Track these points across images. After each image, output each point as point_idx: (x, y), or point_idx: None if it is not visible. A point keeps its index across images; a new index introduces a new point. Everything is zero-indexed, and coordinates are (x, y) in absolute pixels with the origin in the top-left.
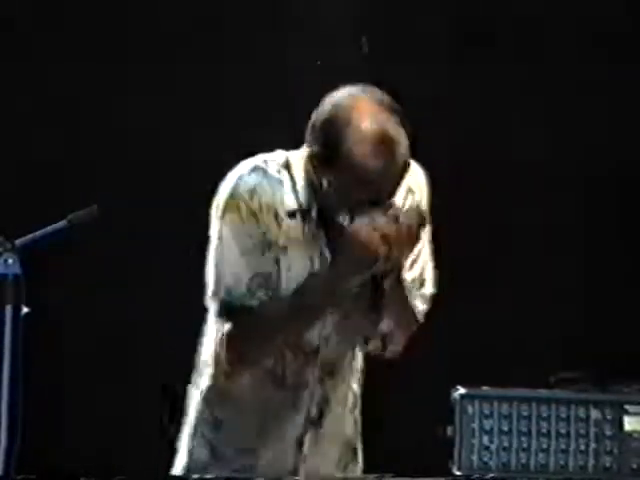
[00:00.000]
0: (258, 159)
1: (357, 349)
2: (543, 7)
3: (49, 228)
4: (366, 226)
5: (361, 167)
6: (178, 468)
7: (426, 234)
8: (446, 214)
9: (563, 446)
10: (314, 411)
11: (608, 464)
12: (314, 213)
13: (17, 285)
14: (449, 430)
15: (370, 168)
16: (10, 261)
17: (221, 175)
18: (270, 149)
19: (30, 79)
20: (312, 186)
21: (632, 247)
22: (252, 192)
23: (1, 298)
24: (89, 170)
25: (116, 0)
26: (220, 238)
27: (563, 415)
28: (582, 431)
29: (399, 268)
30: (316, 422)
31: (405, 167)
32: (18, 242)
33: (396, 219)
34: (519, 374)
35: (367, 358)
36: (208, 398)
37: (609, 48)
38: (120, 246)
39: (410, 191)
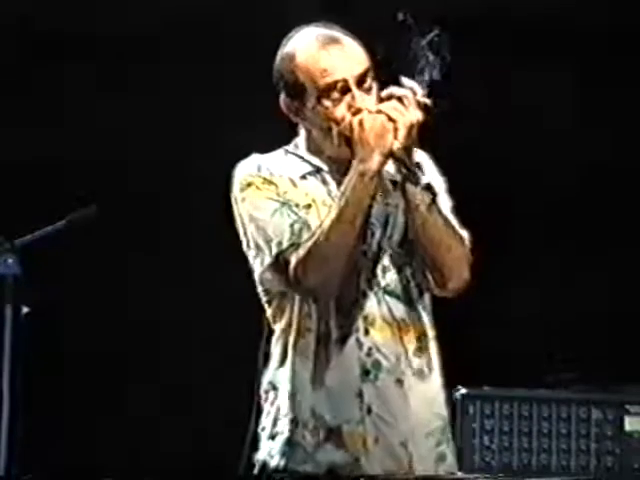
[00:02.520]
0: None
1: (411, 308)
2: None
3: (49, 228)
4: (364, 114)
5: (314, 63)
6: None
7: (446, 199)
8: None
9: (564, 446)
10: (367, 362)
11: (609, 464)
12: (325, 172)
13: (17, 285)
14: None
15: (321, 58)
16: (10, 261)
17: (221, 175)
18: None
19: (30, 79)
20: (314, 151)
21: (633, 243)
22: (259, 166)
23: (1, 298)
24: (89, 170)
25: (116, 1)
26: (247, 220)
27: (564, 415)
28: (583, 431)
29: (411, 144)
30: (371, 373)
31: (365, 63)
32: (18, 242)
33: (388, 97)
34: (519, 374)
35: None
36: (281, 379)
37: None
38: (120, 246)
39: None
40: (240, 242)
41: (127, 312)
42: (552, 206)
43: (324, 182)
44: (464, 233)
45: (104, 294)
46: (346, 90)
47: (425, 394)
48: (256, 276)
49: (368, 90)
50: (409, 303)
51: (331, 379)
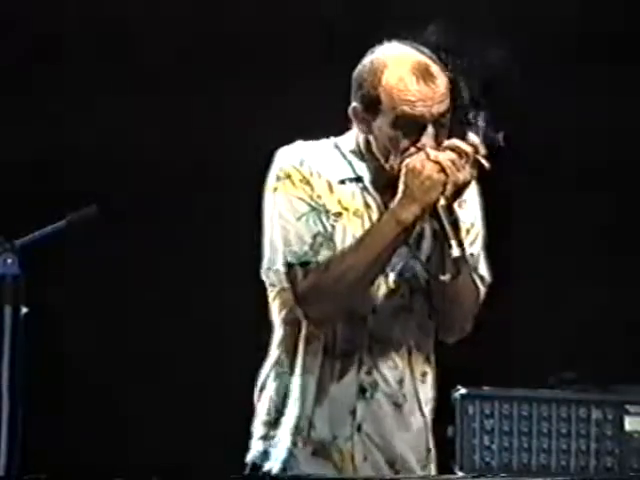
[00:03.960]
0: (306, 142)
1: (421, 332)
2: None
3: (49, 228)
4: (420, 156)
5: (402, 97)
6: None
7: (480, 225)
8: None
9: (564, 446)
10: (365, 380)
11: (609, 464)
12: (367, 180)
13: (16, 285)
14: (450, 430)
15: (410, 96)
16: (10, 261)
17: (221, 176)
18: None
19: (30, 79)
20: (362, 155)
21: (631, 244)
22: (302, 160)
23: (1, 298)
24: (89, 170)
25: (116, 2)
26: (274, 209)
27: (564, 415)
28: (583, 431)
29: (456, 198)
30: (367, 392)
31: (447, 102)
32: (18, 242)
33: (451, 149)
34: (519, 374)
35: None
36: (275, 378)
37: None
38: (120, 246)
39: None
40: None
41: (127, 312)
42: (553, 207)
43: (361, 191)
44: (486, 275)
45: (104, 294)
46: (421, 126)
47: (423, 421)
48: (263, 267)
49: (442, 126)
50: (420, 325)
51: (331, 392)
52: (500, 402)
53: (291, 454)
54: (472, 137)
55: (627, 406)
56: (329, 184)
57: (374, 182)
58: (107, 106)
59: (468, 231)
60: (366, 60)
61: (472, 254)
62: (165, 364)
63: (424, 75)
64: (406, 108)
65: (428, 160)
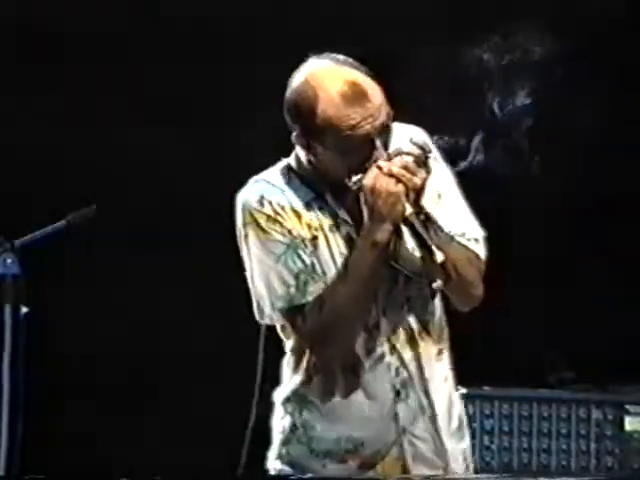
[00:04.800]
0: (262, 174)
1: (429, 313)
2: None
3: (49, 228)
4: (374, 175)
5: (341, 122)
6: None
7: (451, 183)
8: None
9: (564, 446)
10: (397, 382)
11: (609, 464)
12: (329, 197)
13: (16, 285)
14: None
15: (349, 118)
16: (9, 261)
17: (220, 176)
18: (267, 155)
19: (31, 80)
20: (317, 172)
21: (631, 248)
22: (261, 200)
23: (1, 298)
24: (89, 170)
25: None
26: (251, 258)
27: (564, 415)
28: (583, 431)
29: (419, 204)
30: (402, 393)
31: (386, 113)
32: (18, 242)
33: (398, 155)
34: (519, 374)
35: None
36: (291, 404)
37: None
38: (120, 246)
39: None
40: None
41: (127, 312)
42: (555, 208)
43: (328, 207)
44: (479, 235)
45: (104, 294)
46: (367, 143)
47: (448, 396)
48: (256, 314)
49: (387, 133)
50: (426, 310)
51: (366, 405)
52: (500, 402)
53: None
54: (415, 138)
55: (627, 406)
56: (295, 212)
57: (336, 195)
58: (107, 106)
59: (439, 196)
60: (294, 88)
61: (450, 231)
62: (165, 364)
63: (357, 95)
64: (350, 132)
65: (383, 175)
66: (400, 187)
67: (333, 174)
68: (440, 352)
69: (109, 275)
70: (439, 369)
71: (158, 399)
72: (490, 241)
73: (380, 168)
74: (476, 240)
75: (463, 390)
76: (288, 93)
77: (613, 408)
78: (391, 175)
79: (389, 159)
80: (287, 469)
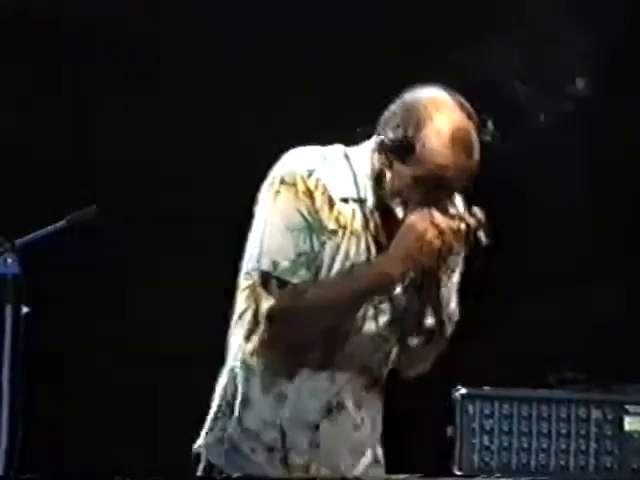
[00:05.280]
0: (318, 147)
1: (386, 359)
2: None
3: (49, 228)
4: (425, 217)
5: (438, 161)
6: (202, 445)
7: (459, 268)
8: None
9: (564, 446)
10: (333, 401)
11: (609, 464)
12: (370, 203)
13: (17, 285)
14: (450, 430)
15: (447, 163)
16: (10, 261)
17: (220, 176)
18: (269, 149)
19: (30, 80)
20: (373, 177)
21: (633, 245)
22: (311, 171)
23: (1, 298)
24: (89, 170)
25: (115, 4)
26: (270, 211)
27: (563, 415)
28: (583, 431)
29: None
30: (334, 413)
31: (476, 171)
32: (18, 242)
33: (455, 217)
34: (519, 374)
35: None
36: (236, 377)
37: None
38: (120, 246)
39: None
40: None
41: (127, 312)
42: (552, 207)
43: (362, 213)
44: (456, 317)
45: (104, 294)
46: (445, 191)
47: (374, 436)
48: (245, 262)
49: (467, 188)
50: (388, 356)
51: (297, 405)
52: (500, 402)
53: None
54: (478, 211)
55: (627, 406)
56: (330, 200)
57: (377, 206)
58: (107, 106)
59: (452, 270)
60: (408, 102)
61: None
62: (166, 363)
63: (465, 145)
64: (439, 172)
65: (431, 223)
66: (438, 242)
67: (393, 192)
68: (378, 408)
69: (109, 275)
70: (378, 417)
71: (158, 399)
72: (492, 241)
73: (432, 217)
74: (449, 318)
75: (463, 390)
76: (396, 103)
77: (613, 408)
78: (438, 228)
79: (446, 215)
80: (215, 447)
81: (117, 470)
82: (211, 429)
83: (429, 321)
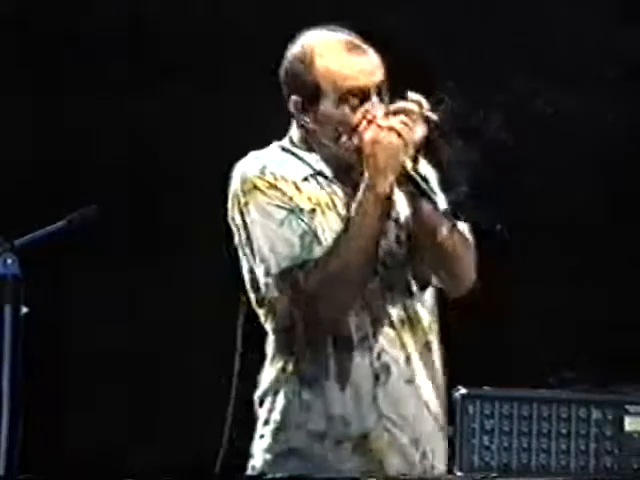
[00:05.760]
0: (254, 152)
1: (418, 303)
2: None
3: (49, 228)
4: (374, 128)
5: (342, 74)
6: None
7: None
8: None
9: (564, 446)
10: (377, 366)
11: (609, 464)
12: (327, 172)
13: (16, 285)
14: (450, 430)
15: (347, 63)
16: (9, 261)
17: (220, 175)
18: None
19: (30, 80)
20: (311, 148)
21: (629, 243)
22: (262, 169)
23: (1, 298)
24: (89, 170)
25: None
26: (253, 226)
27: (564, 415)
28: (583, 431)
29: (419, 157)
30: (381, 377)
31: (382, 75)
32: (17, 242)
33: (395, 112)
34: (519, 374)
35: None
36: (287, 384)
37: None
38: (120, 246)
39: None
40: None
41: (127, 312)
42: (552, 208)
43: (325, 184)
44: (465, 228)
45: (104, 294)
46: (365, 98)
47: (435, 390)
48: (257, 278)
49: (383, 94)
50: (412, 300)
51: (347, 387)
52: (500, 402)
53: (313, 458)
54: (412, 94)
55: (627, 406)
56: (295, 184)
57: (333, 171)
58: (107, 106)
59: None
60: (291, 52)
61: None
62: (167, 363)
63: (356, 49)
64: (349, 83)
65: (382, 129)
66: (400, 140)
67: (327, 143)
68: (428, 345)
69: (109, 275)
70: (426, 361)
71: (159, 399)
72: (490, 241)
73: (379, 124)
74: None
75: (463, 390)
76: (284, 62)
77: (613, 408)
78: (391, 129)
79: (388, 115)
80: (285, 457)
81: (117, 470)
82: (271, 445)
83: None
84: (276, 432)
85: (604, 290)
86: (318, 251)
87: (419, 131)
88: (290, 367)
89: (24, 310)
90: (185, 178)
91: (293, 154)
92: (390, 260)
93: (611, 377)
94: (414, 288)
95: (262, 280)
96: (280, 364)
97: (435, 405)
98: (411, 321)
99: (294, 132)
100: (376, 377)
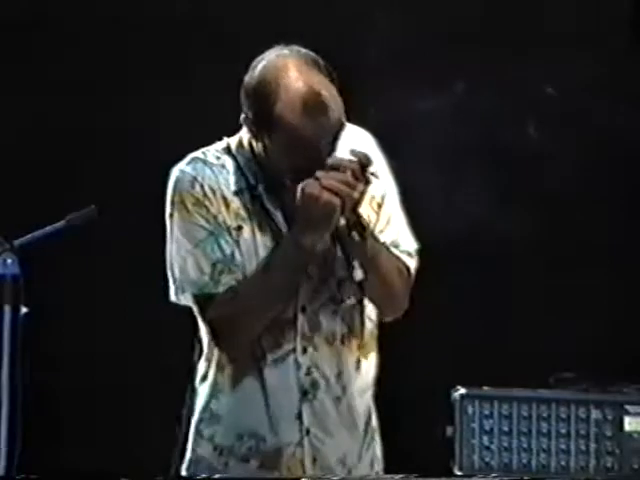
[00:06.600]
0: (196, 152)
1: (355, 319)
2: None
3: (48, 228)
4: (311, 183)
5: (295, 129)
6: (184, 468)
7: (393, 196)
8: (449, 215)
9: (563, 446)
10: (306, 382)
11: (609, 464)
12: (261, 188)
13: (16, 285)
14: (449, 430)
15: (304, 129)
16: (9, 261)
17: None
18: None
19: (30, 80)
20: (256, 161)
21: (631, 244)
22: (193, 181)
23: (0, 298)
24: (89, 170)
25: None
26: (173, 235)
27: (563, 415)
28: (582, 431)
29: (356, 213)
30: (309, 393)
31: (341, 124)
32: (17, 242)
33: (338, 168)
34: (519, 374)
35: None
36: (203, 392)
37: None
38: (119, 246)
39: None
40: None
41: (127, 312)
42: (551, 208)
43: (257, 199)
44: (409, 261)
45: (103, 294)
46: (316, 150)
47: (362, 407)
48: (171, 294)
49: (332, 150)
50: (349, 315)
51: (273, 401)
52: (500, 402)
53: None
54: (358, 150)
55: (627, 406)
56: (224, 199)
57: (270, 189)
58: (107, 106)
59: (379, 205)
60: (257, 74)
61: (384, 242)
62: (166, 364)
63: (317, 108)
64: (300, 139)
65: (322, 187)
66: (337, 200)
67: (273, 168)
68: (358, 362)
69: (109, 275)
70: (358, 378)
71: (159, 399)
72: (491, 242)
73: (320, 182)
74: (409, 254)
75: (463, 390)
76: (249, 76)
77: (613, 408)
78: (330, 189)
79: (329, 170)
80: (195, 464)
81: (117, 470)
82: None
83: (357, 275)
84: (193, 437)
85: (604, 290)
86: (226, 281)
87: (360, 188)
88: (209, 375)
89: (24, 310)
90: None
91: (235, 160)
92: (330, 275)
93: (611, 377)
94: (356, 305)
95: (172, 293)
96: (203, 369)
97: (362, 421)
98: (347, 338)
99: (245, 134)
100: (304, 393)
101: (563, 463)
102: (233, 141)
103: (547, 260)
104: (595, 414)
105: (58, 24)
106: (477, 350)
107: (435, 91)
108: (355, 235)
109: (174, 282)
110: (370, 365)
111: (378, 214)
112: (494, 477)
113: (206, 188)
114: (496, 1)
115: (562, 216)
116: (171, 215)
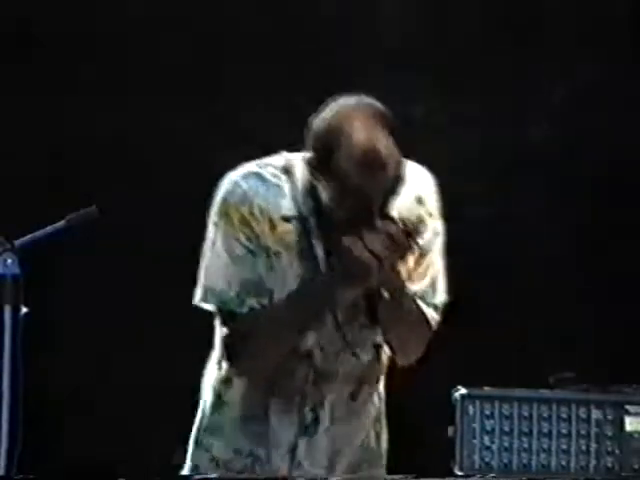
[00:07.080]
0: (254, 163)
1: (370, 357)
2: None
3: (49, 228)
4: (355, 241)
5: (350, 181)
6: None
7: (438, 244)
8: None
9: (564, 446)
10: (308, 417)
11: (609, 464)
12: (312, 221)
13: (16, 285)
14: (450, 430)
15: (358, 183)
16: (9, 261)
17: (220, 176)
18: (272, 149)
19: (30, 80)
20: (311, 192)
21: (631, 246)
22: (244, 198)
23: (0, 298)
24: (89, 170)
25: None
26: (213, 243)
27: (564, 415)
28: (583, 431)
29: (393, 279)
30: (310, 428)
31: (396, 183)
32: (17, 242)
33: (386, 233)
34: (519, 374)
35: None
36: (208, 400)
37: None
38: (119, 246)
39: (419, 201)
40: None
41: (127, 312)
42: (551, 207)
43: (305, 230)
44: (434, 316)
45: (103, 294)
46: (364, 203)
47: (354, 433)
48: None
49: (390, 196)
50: (366, 358)
51: (271, 424)
52: (500, 402)
53: None
54: (408, 220)
55: (627, 406)
56: (271, 222)
57: (320, 223)
58: (106, 106)
59: (422, 255)
60: (323, 116)
61: (415, 293)
62: (166, 365)
63: (375, 163)
64: (353, 192)
65: (365, 249)
66: (376, 263)
67: (328, 205)
68: (353, 394)
69: (109, 275)
70: (348, 408)
71: (159, 399)
72: (490, 242)
73: (364, 242)
74: (435, 307)
75: (463, 390)
76: (318, 119)
77: (613, 408)
78: (372, 252)
79: (376, 232)
80: (191, 471)
81: (117, 470)
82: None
83: (377, 338)
84: (192, 444)
85: (604, 290)
86: (251, 303)
87: (401, 253)
88: (215, 385)
89: (24, 310)
90: (187, 178)
91: (290, 184)
92: (343, 317)
93: (611, 377)
94: (371, 350)
95: (198, 297)
96: (211, 376)
97: (356, 457)
98: (360, 384)
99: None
100: (305, 429)
101: (564, 463)
102: (294, 161)
103: (547, 260)
104: (596, 414)
105: (59, 24)
106: (477, 350)
107: (435, 92)
108: (386, 294)
109: (202, 288)
110: (380, 400)
111: (418, 262)
112: (494, 477)
113: (255, 207)
114: (496, 1)
115: (562, 216)
116: (216, 224)
